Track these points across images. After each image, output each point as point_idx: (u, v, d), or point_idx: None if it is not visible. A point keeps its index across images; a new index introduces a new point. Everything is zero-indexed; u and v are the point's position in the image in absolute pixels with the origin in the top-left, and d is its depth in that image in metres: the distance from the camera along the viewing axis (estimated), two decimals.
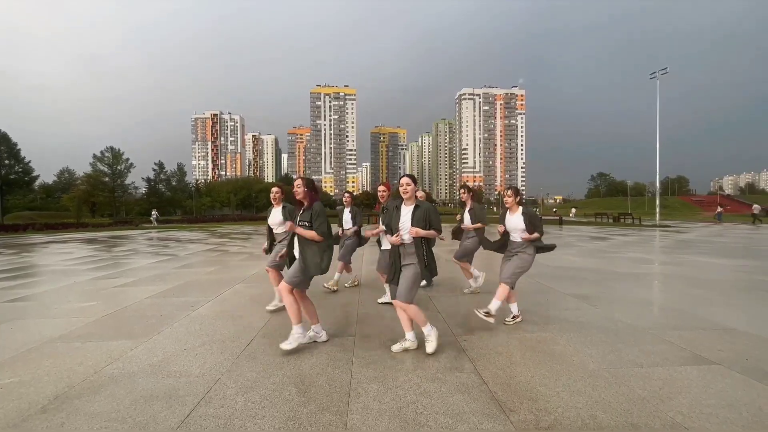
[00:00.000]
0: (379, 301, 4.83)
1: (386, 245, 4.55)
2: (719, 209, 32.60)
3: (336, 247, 4.20)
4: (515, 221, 3.86)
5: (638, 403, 2.31)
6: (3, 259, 10.25)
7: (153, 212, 35.89)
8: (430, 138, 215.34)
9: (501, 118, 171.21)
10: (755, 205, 30.97)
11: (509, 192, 3.94)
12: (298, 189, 3.30)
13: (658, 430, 2.05)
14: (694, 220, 35.11)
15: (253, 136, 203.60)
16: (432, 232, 3.11)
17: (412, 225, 3.07)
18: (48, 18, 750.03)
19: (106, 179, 59.96)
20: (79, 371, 2.84)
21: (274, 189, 4.39)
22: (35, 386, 2.60)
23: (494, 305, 3.76)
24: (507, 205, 3.94)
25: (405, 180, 3.21)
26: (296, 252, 3.34)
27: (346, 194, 5.79)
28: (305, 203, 3.28)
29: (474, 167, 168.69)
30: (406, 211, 3.17)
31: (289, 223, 3.26)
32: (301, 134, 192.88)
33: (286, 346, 3.12)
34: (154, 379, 2.70)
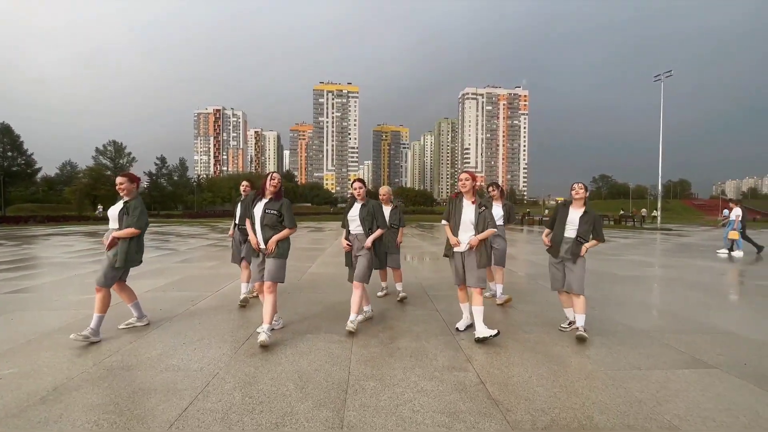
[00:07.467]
0: (379, 294, 5.03)
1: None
2: (627, 212, 39.09)
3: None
4: (575, 218, 3.55)
5: (635, 405, 2.31)
6: (4, 251, 10.28)
7: (99, 207, 36.79)
8: (433, 137, 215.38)
9: (504, 118, 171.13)
10: (643, 210, 39.33)
11: (580, 185, 3.58)
12: (277, 183, 3.45)
13: None
14: (696, 224, 35.07)
15: (255, 132, 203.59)
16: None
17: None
18: (52, 12, 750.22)
19: (108, 173, 60.04)
20: (78, 363, 2.85)
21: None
22: (34, 377, 2.61)
23: (581, 319, 3.51)
24: (577, 196, 3.58)
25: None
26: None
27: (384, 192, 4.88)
28: (273, 196, 3.45)
29: (476, 167, 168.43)
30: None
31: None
32: (303, 131, 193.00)
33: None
34: (152, 372, 2.71)
